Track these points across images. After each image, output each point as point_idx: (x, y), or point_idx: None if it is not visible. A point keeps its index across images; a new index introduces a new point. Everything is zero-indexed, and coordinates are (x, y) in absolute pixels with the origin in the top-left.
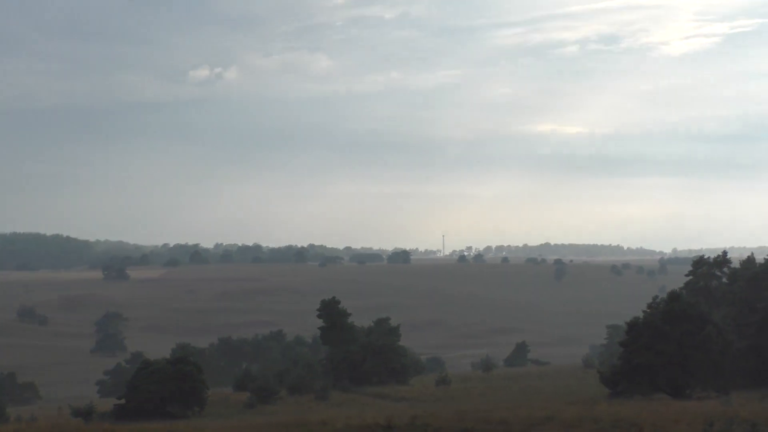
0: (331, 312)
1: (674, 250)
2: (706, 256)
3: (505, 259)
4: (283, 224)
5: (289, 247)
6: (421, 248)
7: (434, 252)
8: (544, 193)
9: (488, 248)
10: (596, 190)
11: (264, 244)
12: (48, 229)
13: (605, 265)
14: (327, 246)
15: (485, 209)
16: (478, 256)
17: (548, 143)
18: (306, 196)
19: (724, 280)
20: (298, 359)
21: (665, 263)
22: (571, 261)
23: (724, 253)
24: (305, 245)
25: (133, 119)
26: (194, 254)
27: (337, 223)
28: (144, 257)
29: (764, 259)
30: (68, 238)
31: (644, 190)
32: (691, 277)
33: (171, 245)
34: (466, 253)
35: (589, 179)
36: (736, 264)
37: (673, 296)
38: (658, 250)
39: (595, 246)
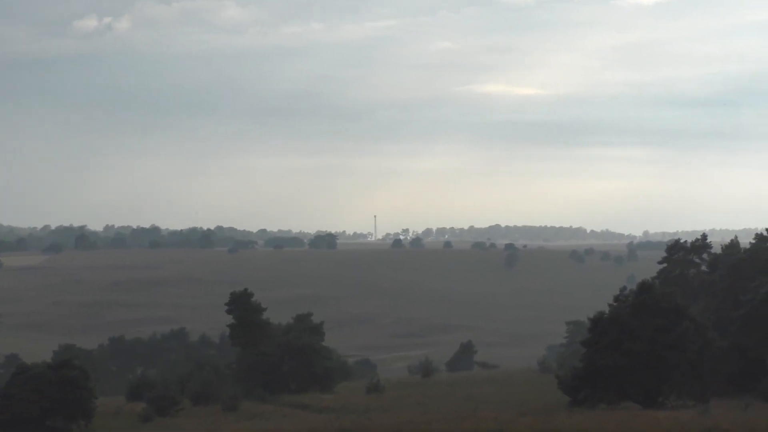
0: (243, 306)
1: (645, 233)
2: (682, 240)
3: (447, 244)
4: (186, 203)
5: (193, 230)
6: (349, 231)
7: (364, 235)
8: (492, 167)
9: (428, 231)
10: (554, 162)
11: (163, 226)
12: None
13: (564, 251)
14: (237, 228)
15: (424, 185)
16: (416, 241)
17: (497, 107)
18: (212, 170)
19: (704, 267)
20: (203, 363)
21: (635, 248)
22: (525, 246)
23: (704, 236)
24: (212, 227)
25: (4, 79)
26: (80, 238)
27: (249, 202)
28: (20, 241)
29: (750, 243)
30: None
31: (610, 163)
32: (665, 265)
33: (52, 227)
34: (401, 237)
35: (545, 150)
36: (717, 249)
37: (644, 287)
38: (626, 233)
39: (552, 228)
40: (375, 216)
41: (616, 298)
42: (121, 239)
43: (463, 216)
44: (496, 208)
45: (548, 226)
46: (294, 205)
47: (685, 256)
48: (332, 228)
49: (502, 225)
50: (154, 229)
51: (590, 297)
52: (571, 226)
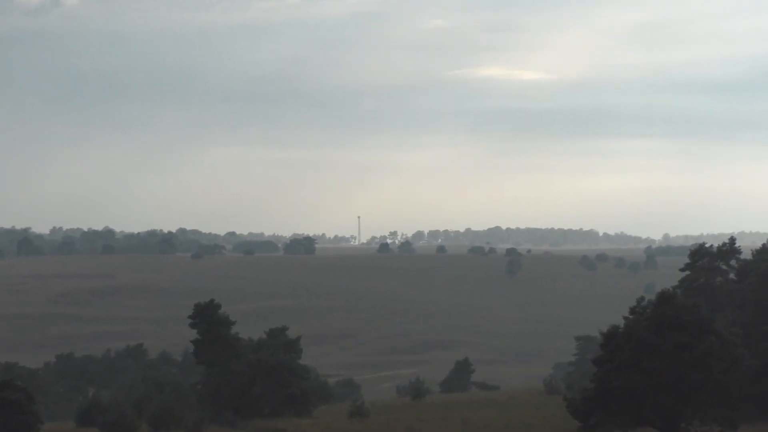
0: (208, 320)
1: (665, 236)
2: (707, 245)
3: (441, 249)
4: (144, 202)
5: (152, 233)
6: (330, 234)
7: (347, 239)
8: (492, 161)
9: (419, 234)
10: (561, 156)
11: (118, 229)
12: None
13: (574, 257)
14: (203, 231)
15: (414, 182)
16: (406, 245)
17: (497, 94)
18: (174, 165)
19: (732, 275)
20: (163, 383)
21: (653, 254)
22: (529, 251)
23: (732, 240)
24: (173, 230)
25: None
26: (23, 242)
27: (215, 201)
28: None
29: None
30: None
31: (625, 156)
32: (687, 273)
33: None
34: (389, 241)
35: (551, 142)
36: (747, 255)
37: (664, 297)
38: (644, 236)
39: (560, 231)
40: (359, 217)
41: (633, 311)
42: (70, 243)
43: (458, 217)
44: (495, 208)
45: (555, 228)
46: (267, 204)
47: (710, 263)
48: (310, 231)
49: (503, 227)
50: (108, 232)
51: (603, 309)
52: (581, 229)
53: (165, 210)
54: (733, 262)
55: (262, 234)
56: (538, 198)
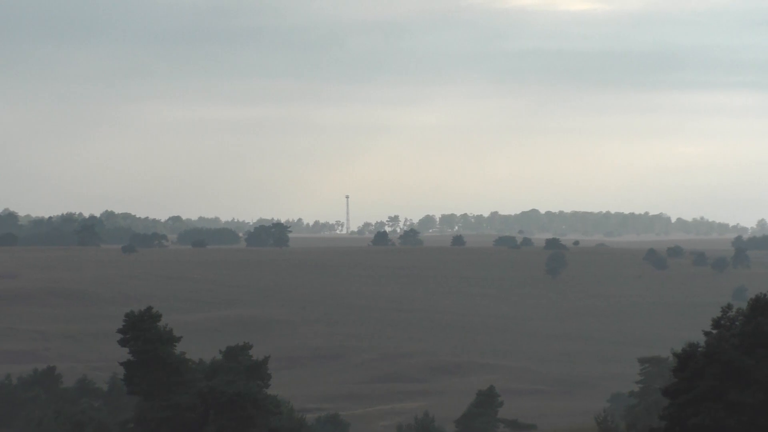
0: (145, 335)
1: (761, 223)
2: None
3: (457, 240)
4: (56, 177)
5: (68, 218)
6: (309, 219)
7: (331, 226)
8: (526, 122)
9: (427, 219)
10: (619, 114)
11: (22, 212)
12: None
13: (637, 250)
14: (136, 215)
15: (421, 150)
16: (410, 234)
17: (533, 31)
18: (95, 128)
19: None
20: (83, 421)
21: (744, 247)
22: (576, 243)
23: None
24: (96, 214)
25: None
26: None
27: (153, 176)
28: None
29: None
30: None
31: (706, 115)
32: None
33: None
34: (388, 228)
35: (606, 96)
36: None
37: (760, 305)
38: (731, 223)
39: (618, 216)
40: (347, 196)
41: (717, 323)
42: None
43: (481, 197)
44: (531, 184)
45: (611, 212)
46: (222, 180)
47: None
48: (282, 215)
49: (541, 210)
50: (8, 217)
51: (676, 321)
52: (647, 213)
53: (85, 187)
54: None
55: (216, 219)
56: (588, 172)
